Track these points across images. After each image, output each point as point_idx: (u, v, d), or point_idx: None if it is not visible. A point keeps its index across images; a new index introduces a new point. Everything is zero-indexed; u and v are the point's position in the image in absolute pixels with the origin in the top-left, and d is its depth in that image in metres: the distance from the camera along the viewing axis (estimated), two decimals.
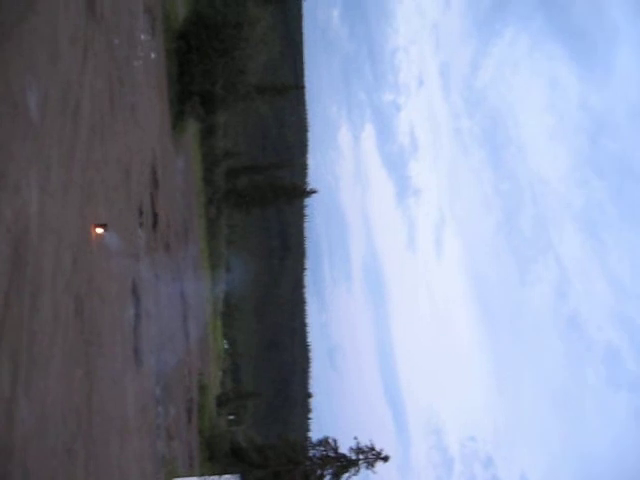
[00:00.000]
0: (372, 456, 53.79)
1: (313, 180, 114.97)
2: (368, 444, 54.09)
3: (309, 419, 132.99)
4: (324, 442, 56.11)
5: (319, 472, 55.07)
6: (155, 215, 41.54)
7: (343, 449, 55.02)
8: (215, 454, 55.95)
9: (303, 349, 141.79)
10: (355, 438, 54.56)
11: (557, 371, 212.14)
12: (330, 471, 54.82)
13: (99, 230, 24.88)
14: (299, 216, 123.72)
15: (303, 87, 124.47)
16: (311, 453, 56.24)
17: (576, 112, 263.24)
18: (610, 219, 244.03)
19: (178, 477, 35.90)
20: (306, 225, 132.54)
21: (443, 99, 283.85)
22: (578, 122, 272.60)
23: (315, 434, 78.67)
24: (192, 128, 67.28)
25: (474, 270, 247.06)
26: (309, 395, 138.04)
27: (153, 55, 47.09)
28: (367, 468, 54.09)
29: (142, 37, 43.08)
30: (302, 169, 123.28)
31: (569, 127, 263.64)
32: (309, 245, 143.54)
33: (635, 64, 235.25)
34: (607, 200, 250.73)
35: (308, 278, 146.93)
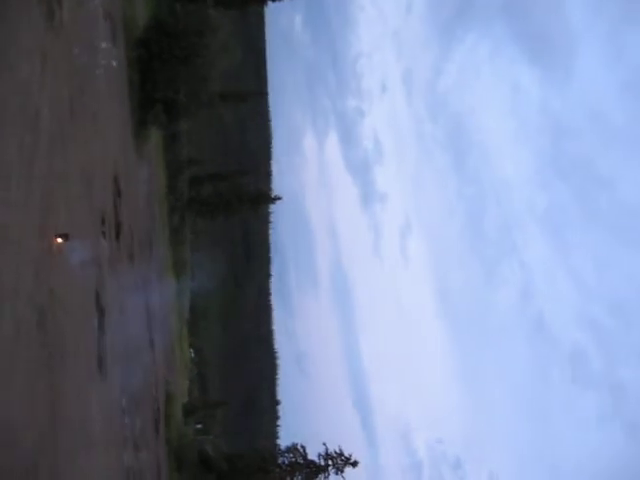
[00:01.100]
0: (341, 461, 53.85)
1: (278, 187, 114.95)
2: (337, 450, 54.16)
3: (277, 426, 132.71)
4: (293, 449, 56.04)
5: (288, 479, 54.97)
6: (118, 224, 41.13)
7: (312, 455, 55.06)
8: (183, 464, 55.49)
9: (270, 356, 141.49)
10: (324, 444, 54.62)
11: (524, 372, 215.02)
12: (299, 478, 54.77)
13: (61, 241, 24.57)
14: (264, 223, 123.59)
15: (266, 94, 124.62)
16: (280, 460, 56.15)
17: (538, 115, 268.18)
18: (573, 221, 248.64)
19: None
20: (271, 232, 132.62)
21: (406, 104, 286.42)
22: (540, 125, 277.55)
23: (284, 441, 78.60)
24: (155, 136, 66.84)
25: (440, 273, 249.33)
26: (277, 402, 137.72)
27: (114, 63, 46.69)
28: (336, 474, 54.14)
29: (103, 45, 42.69)
30: (266, 176, 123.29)
31: (531, 130, 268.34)
32: (274, 252, 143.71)
33: (595, 67, 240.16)
34: (570, 202, 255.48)
35: (274, 285, 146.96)
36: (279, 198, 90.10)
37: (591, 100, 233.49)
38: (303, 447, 55.81)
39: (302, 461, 55.06)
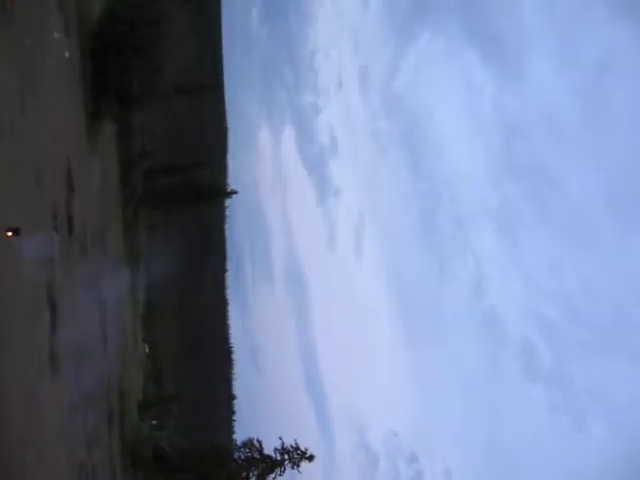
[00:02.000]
0: (297, 456, 53.94)
1: (233, 181, 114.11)
2: (293, 444, 54.22)
3: (233, 421, 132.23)
4: (249, 444, 55.93)
5: (244, 474, 54.90)
6: (70, 219, 40.41)
7: (268, 450, 55.00)
8: (138, 461, 54.91)
9: (226, 351, 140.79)
10: (280, 439, 54.61)
11: (476, 366, 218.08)
12: (255, 472, 54.71)
13: (11, 235, 24.01)
14: (220, 217, 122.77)
15: (222, 86, 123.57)
16: (236, 455, 55.98)
17: (491, 114, 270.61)
18: (525, 218, 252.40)
19: None
20: (227, 226, 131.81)
21: (362, 101, 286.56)
22: (493, 124, 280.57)
23: (240, 436, 78.24)
24: (108, 128, 65.71)
25: (394, 268, 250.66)
26: (233, 397, 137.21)
27: (67, 54, 45.74)
28: (292, 468, 54.23)
29: (55, 35, 41.79)
30: (222, 170, 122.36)
31: (484, 129, 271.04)
32: (230, 246, 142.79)
33: (548, 68, 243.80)
34: (522, 200, 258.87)
35: (230, 280, 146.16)
36: (235, 192, 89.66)
37: (544, 101, 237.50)
38: (259, 442, 55.76)
39: (258, 456, 54.99)
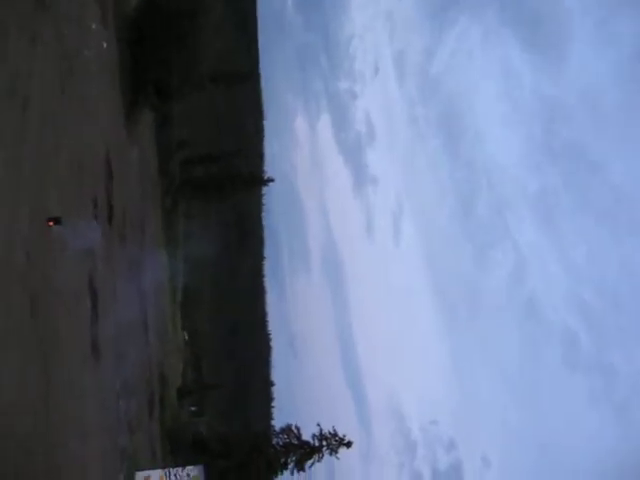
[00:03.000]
0: (335, 442, 54.02)
1: (270, 169, 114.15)
2: (331, 430, 54.33)
3: (272, 407, 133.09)
4: (287, 430, 56.19)
5: (283, 460, 55.18)
6: (110, 207, 40.93)
7: (306, 436, 55.20)
8: (178, 446, 55.65)
9: (264, 338, 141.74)
10: (318, 425, 54.77)
11: (515, 354, 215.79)
12: (294, 458, 54.99)
13: (53, 224, 24.38)
14: (257, 205, 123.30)
15: (258, 74, 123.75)
16: (274, 441, 56.28)
17: (530, 99, 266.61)
18: (565, 204, 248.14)
19: (140, 470, 35.64)
20: (264, 214, 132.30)
21: (399, 87, 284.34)
22: (532, 109, 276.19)
23: (278, 422, 78.66)
24: (146, 118, 66.32)
25: (432, 257, 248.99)
26: (271, 383, 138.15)
27: (105, 44, 46.18)
28: (330, 454, 54.34)
29: (93, 26, 42.20)
30: (259, 158, 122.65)
31: (523, 114, 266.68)
32: (267, 234, 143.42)
33: (588, 52, 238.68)
34: (561, 186, 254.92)
35: (267, 267, 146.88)
36: (272, 180, 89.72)
37: (584, 85, 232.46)
38: (297, 428, 55.97)
39: (296, 442, 55.21)
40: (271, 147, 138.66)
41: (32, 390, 20.41)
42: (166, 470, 35.25)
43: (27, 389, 19.97)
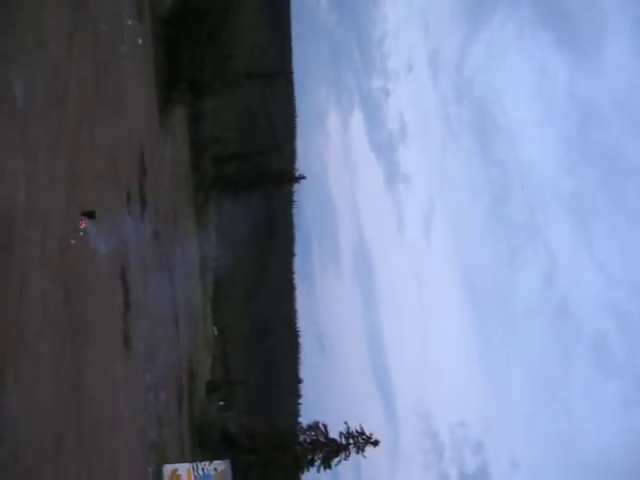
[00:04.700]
0: (362, 441, 53.96)
1: (302, 166, 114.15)
2: (358, 429, 54.27)
3: (299, 404, 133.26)
4: (314, 427, 56.26)
5: (309, 457, 55.27)
6: (143, 202, 41.31)
7: (333, 434, 55.19)
8: (205, 440, 56.00)
9: (293, 335, 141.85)
10: (345, 423, 54.73)
11: (546, 356, 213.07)
12: (320, 456, 55.03)
13: (87, 218, 24.70)
14: (288, 202, 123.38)
15: (291, 73, 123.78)
16: (301, 438, 56.39)
17: (565, 100, 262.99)
18: (599, 206, 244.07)
19: (169, 463, 35.94)
20: (295, 211, 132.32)
21: (432, 85, 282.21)
22: (567, 110, 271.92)
23: (305, 419, 78.72)
24: (179, 114, 66.84)
25: (463, 256, 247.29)
26: (299, 381, 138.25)
27: (140, 41, 46.61)
28: (357, 453, 54.30)
29: (129, 22, 42.63)
30: (290, 155, 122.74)
31: (558, 114, 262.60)
32: (298, 231, 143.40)
33: (624, 53, 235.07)
34: (596, 187, 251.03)
35: (297, 264, 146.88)
36: (303, 177, 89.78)
37: (620, 86, 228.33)
38: (324, 425, 56.01)
39: (323, 439, 55.25)
40: (303, 144, 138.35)
41: (65, 380, 20.69)
42: (194, 464, 35.47)
43: (60, 379, 20.24)
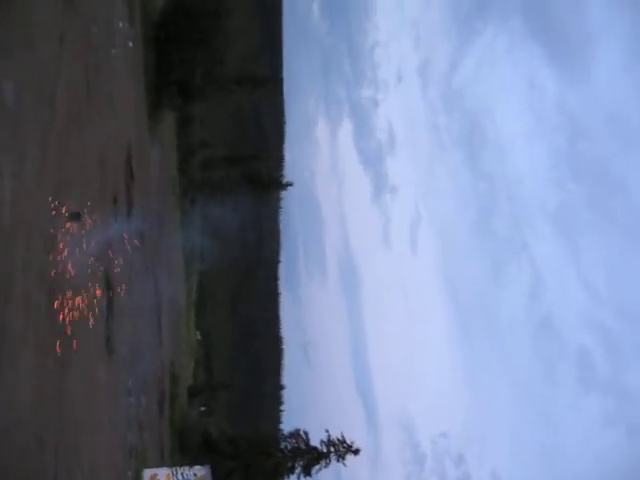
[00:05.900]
0: (343, 449, 54.00)
1: (289, 173, 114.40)
2: (339, 437, 54.31)
3: (281, 411, 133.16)
4: (295, 434, 56.25)
5: (290, 464, 55.23)
6: (130, 204, 41.26)
7: (314, 442, 55.23)
8: (186, 445, 55.83)
9: (276, 342, 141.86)
10: (326, 431, 54.78)
11: (529, 371, 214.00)
12: (301, 463, 55.00)
13: (73, 219, 24.66)
14: (275, 209, 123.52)
15: (281, 79, 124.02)
16: (282, 445, 56.37)
17: (554, 113, 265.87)
18: (585, 221, 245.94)
19: (148, 468, 35.80)
20: (281, 218, 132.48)
21: (422, 96, 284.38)
22: (556, 124, 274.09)
23: (287, 426, 78.73)
24: (169, 118, 66.83)
25: (448, 268, 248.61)
26: (281, 387, 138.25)
27: (131, 43, 46.65)
28: (338, 461, 54.32)
29: (120, 25, 42.67)
30: (279, 162, 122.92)
31: (547, 128, 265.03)
32: (284, 238, 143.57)
33: (613, 68, 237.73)
34: (583, 202, 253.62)
35: (283, 272, 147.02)
36: (291, 184, 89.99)
37: (609, 101, 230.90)
38: (306, 433, 56.03)
39: (304, 447, 55.26)
40: (291, 152, 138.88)
41: (47, 383, 20.59)
42: (173, 469, 35.37)
43: (42, 382, 20.14)
